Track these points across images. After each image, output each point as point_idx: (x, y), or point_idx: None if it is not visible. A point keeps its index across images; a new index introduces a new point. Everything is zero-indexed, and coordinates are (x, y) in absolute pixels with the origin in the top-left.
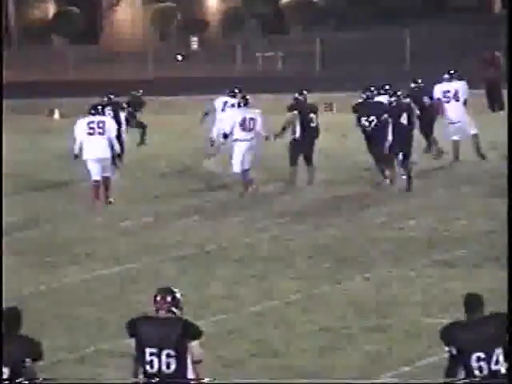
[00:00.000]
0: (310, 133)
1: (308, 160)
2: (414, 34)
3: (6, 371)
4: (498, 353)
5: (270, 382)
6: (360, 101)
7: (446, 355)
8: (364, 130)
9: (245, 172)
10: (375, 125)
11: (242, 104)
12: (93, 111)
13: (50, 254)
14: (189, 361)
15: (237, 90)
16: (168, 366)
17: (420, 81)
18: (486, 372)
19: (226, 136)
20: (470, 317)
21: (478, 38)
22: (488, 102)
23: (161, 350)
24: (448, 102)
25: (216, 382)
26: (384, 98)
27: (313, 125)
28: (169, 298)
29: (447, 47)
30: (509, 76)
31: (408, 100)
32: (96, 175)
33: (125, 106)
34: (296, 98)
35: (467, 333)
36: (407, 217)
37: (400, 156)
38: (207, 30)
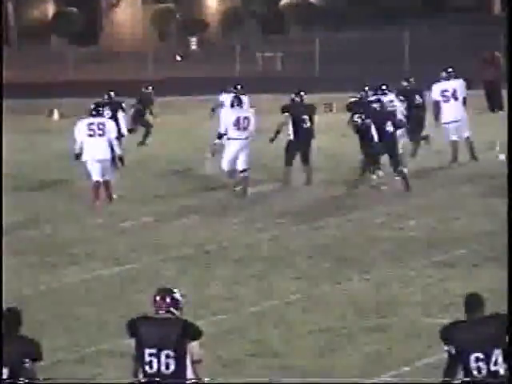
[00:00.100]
0: (302, 134)
1: (304, 160)
2: (414, 34)
3: (5, 371)
4: (497, 353)
5: (270, 382)
6: (355, 99)
7: (446, 355)
8: (357, 130)
9: (233, 172)
10: (365, 126)
11: (235, 104)
12: (93, 112)
13: (50, 254)
14: (188, 361)
15: (239, 87)
16: (167, 367)
17: (412, 79)
18: (484, 372)
19: (220, 136)
20: (469, 317)
21: (478, 38)
22: (487, 102)
23: (160, 350)
24: (447, 101)
25: (216, 382)
26: (388, 98)
27: (305, 126)
28: (168, 299)
29: (447, 47)
30: (509, 76)
31: (393, 107)
32: (96, 176)
33: (124, 105)
34: (292, 99)
35: (466, 333)
36: (407, 217)
37: (388, 158)
38: (207, 30)
